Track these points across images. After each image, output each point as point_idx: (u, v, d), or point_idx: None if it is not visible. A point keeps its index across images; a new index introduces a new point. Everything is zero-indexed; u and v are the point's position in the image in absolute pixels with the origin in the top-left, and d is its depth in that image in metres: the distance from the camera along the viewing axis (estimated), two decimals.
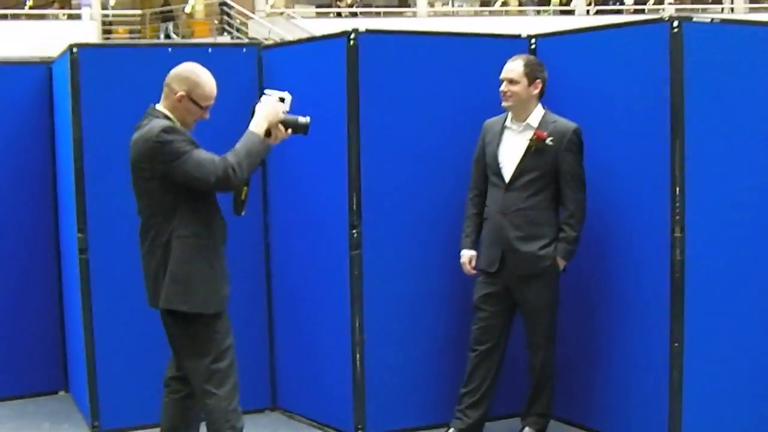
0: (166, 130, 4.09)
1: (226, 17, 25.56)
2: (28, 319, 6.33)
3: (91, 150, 5.40)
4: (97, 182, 5.42)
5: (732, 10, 28.10)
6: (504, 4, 34.42)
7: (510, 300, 5.18)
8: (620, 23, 5.27)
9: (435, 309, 5.47)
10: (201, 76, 4.24)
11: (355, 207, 5.20)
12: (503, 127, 5.14)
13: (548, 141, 4.98)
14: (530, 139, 5.01)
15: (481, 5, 34.47)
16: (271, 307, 5.85)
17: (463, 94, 5.42)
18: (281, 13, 27.12)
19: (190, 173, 4.05)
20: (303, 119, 4.30)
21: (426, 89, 5.35)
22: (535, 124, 5.05)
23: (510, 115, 5.14)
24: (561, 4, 31.44)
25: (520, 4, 31.03)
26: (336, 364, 5.39)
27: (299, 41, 5.92)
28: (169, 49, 5.28)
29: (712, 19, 4.87)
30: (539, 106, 5.11)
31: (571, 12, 30.63)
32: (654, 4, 32.58)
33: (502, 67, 5.15)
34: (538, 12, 30.44)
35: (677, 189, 4.76)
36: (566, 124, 5.03)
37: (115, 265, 5.43)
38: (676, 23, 4.71)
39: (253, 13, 26.33)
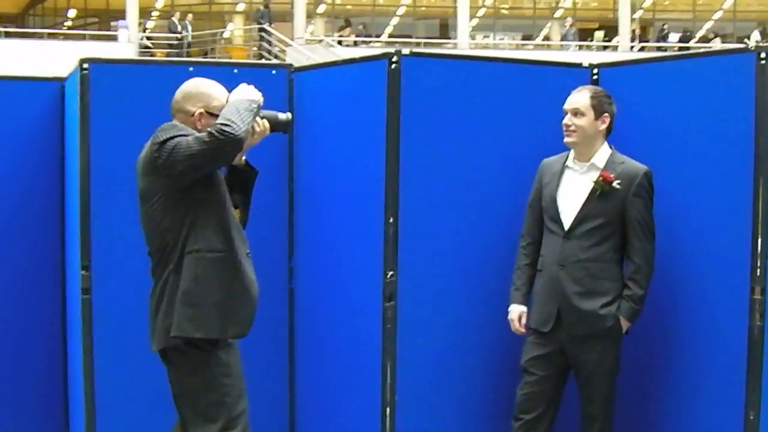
0: (164, 128, 3.69)
1: (265, 44, 25.26)
2: (29, 360, 5.75)
3: (99, 178, 4.83)
4: (106, 214, 4.85)
5: None
6: (546, 38, 34.03)
7: (564, 363, 4.55)
8: (699, 53, 4.67)
9: (477, 370, 4.84)
10: (210, 86, 3.88)
11: (391, 250, 4.59)
12: (564, 167, 4.54)
13: (615, 184, 4.37)
14: (595, 181, 4.40)
15: (523, 39, 34.06)
16: (293, 360, 5.24)
17: (518, 127, 4.83)
18: (320, 41, 26.81)
19: (190, 150, 3.58)
20: (283, 115, 3.95)
21: (475, 121, 4.76)
22: (601, 165, 4.45)
23: (572, 153, 4.54)
24: (604, 39, 31.01)
25: (563, 39, 30.61)
26: (364, 427, 4.75)
27: (335, 63, 5.33)
28: (191, 68, 4.72)
29: None
30: (605, 144, 4.51)
31: (614, 47, 30.18)
32: (697, 42, 32.13)
33: (561, 99, 4.58)
34: (581, 47, 29.98)
35: (759, 241, 4.16)
36: (636, 165, 4.42)
37: (121, 308, 4.84)
38: (764, 54, 4.13)
39: (292, 40, 26.02)
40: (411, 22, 35.29)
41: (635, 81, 4.79)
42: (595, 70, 4.96)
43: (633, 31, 31.67)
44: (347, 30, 28.28)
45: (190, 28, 25.50)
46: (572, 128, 4.45)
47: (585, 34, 32.26)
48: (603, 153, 4.48)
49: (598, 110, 4.45)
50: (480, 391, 4.85)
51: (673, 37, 30.31)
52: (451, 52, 4.90)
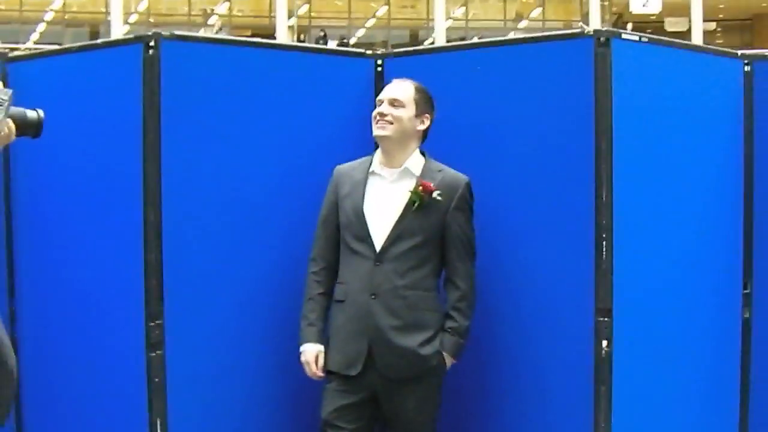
0: None
1: None
2: None
3: None
4: None
5: None
6: None
7: (375, 412, 3.75)
8: (521, 39, 4.04)
9: (267, 427, 3.94)
10: None
11: (154, 287, 3.61)
12: (368, 174, 3.75)
13: (436, 195, 3.65)
14: (412, 191, 3.65)
15: None
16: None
17: (303, 127, 3.97)
18: None
19: None
20: (33, 113, 2.87)
21: (253, 118, 3.86)
22: (417, 172, 3.71)
23: (378, 157, 3.76)
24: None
25: None
26: None
27: (67, 50, 4.18)
28: None
29: (640, 38, 3.76)
30: (418, 149, 3.78)
31: None
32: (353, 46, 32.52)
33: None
34: None
35: (603, 252, 3.59)
36: (456, 175, 3.72)
37: None
38: (603, 38, 3.58)
39: None
40: (59, 30, 33.16)
41: (423, 72, 4.01)
42: (380, 61, 4.20)
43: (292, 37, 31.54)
44: None
45: None
46: (388, 118, 3.69)
47: None
48: (417, 159, 3.75)
49: (421, 107, 3.74)
50: None
51: (331, 44, 30.38)
52: (214, 36, 3.93)
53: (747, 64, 4.14)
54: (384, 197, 3.70)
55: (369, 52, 4.24)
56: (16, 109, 2.81)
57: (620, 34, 3.65)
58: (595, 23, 30.38)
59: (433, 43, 31.51)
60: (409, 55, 4.37)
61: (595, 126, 3.59)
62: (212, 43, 3.88)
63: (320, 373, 3.77)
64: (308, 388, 3.82)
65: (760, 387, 4.17)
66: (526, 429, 3.85)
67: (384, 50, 4.22)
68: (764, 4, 31.14)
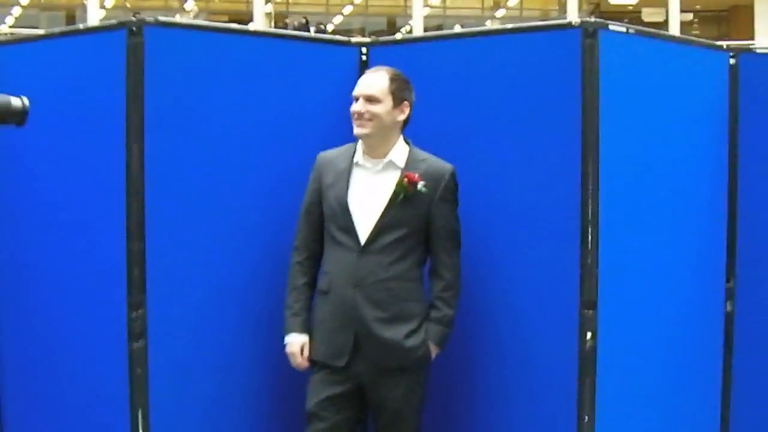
0: None
1: None
2: None
3: None
4: None
5: None
6: None
7: (361, 402, 3.73)
8: (520, 27, 3.96)
9: (250, 418, 3.91)
10: None
11: (136, 276, 3.56)
12: (352, 165, 3.72)
13: (421, 186, 3.62)
14: (398, 183, 3.62)
15: None
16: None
17: (287, 114, 3.94)
18: None
19: None
20: (17, 100, 2.83)
21: (236, 107, 3.81)
22: (401, 163, 3.67)
23: (361, 147, 3.73)
24: None
25: None
26: None
27: (48, 35, 4.10)
28: None
29: (627, 29, 3.74)
30: (402, 138, 3.74)
31: None
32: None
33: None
34: None
35: (589, 246, 3.56)
36: (440, 164, 3.69)
37: None
38: (590, 30, 3.56)
39: None
40: (35, 13, 32.78)
41: (411, 61, 3.98)
42: (364, 49, 4.15)
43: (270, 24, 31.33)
44: None
45: None
46: (367, 116, 3.65)
47: None
48: (401, 149, 3.71)
49: (398, 97, 3.68)
50: None
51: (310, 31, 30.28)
52: (198, 23, 3.89)
53: (732, 57, 4.14)
54: (368, 188, 3.67)
55: (354, 40, 4.20)
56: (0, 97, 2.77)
57: (607, 25, 3.62)
58: (572, 13, 30.35)
59: (410, 30, 31.39)
60: (393, 44, 4.35)
61: (582, 119, 3.56)
62: (196, 30, 3.80)
63: (305, 364, 3.75)
64: (293, 379, 3.80)
65: (741, 381, 4.19)
66: (511, 421, 3.84)
67: (367, 39, 4.16)
68: None
